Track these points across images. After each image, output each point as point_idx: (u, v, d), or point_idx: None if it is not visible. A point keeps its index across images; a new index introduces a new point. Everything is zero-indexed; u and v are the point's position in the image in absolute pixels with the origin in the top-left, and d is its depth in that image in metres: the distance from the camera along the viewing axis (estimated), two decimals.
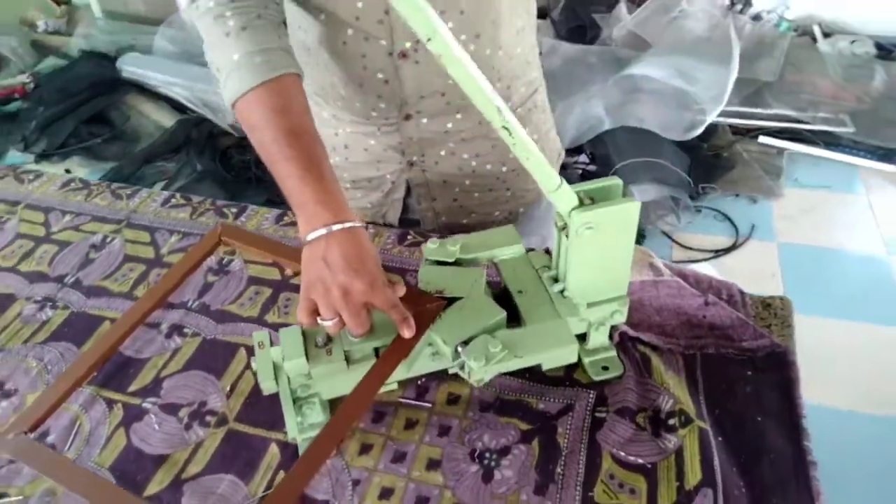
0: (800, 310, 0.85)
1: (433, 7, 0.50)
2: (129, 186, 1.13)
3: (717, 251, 2.06)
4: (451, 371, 0.73)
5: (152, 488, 0.69)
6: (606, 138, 2.28)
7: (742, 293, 0.85)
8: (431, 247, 0.78)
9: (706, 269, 1.87)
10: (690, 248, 2.08)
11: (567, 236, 0.68)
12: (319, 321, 0.68)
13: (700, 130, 2.28)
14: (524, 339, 0.70)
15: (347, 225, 0.68)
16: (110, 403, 0.78)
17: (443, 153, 0.96)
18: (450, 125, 0.93)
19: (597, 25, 2.80)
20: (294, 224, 1.01)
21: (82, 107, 2.73)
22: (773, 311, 0.83)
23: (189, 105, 2.63)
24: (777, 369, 0.76)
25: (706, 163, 2.25)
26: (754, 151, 2.32)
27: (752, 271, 1.97)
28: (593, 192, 0.67)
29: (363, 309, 0.67)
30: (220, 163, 2.60)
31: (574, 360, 0.73)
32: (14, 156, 2.85)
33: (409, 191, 1.02)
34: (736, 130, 2.39)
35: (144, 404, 0.77)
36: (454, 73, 0.53)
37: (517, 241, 0.81)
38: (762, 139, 2.36)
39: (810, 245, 1.99)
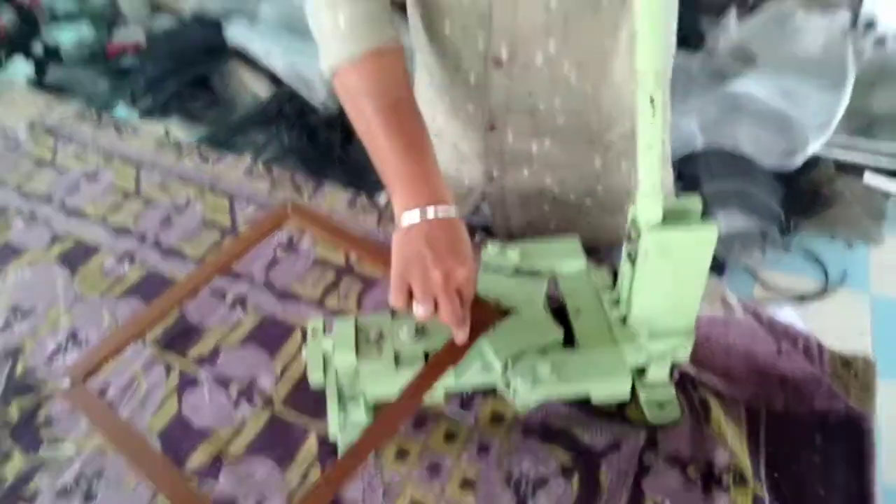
0: (886, 374, 0.78)
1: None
2: (217, 151, 1.16)
3: (802, 296, 1.93)
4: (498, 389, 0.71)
5: (194, 461, 0.71)
6: (698, 158, 2.19)
7: (820, 346, 0.79)
8: (492, 251, 0.76)
9: (789, 314, 1.75)
10: (774, 290, 1.96)
11: (635, 257, 0.65)
12: (414, 306, 0.63)
13: (800, 160, 2.14)
14: (575, 364, 0.67)
15: (445, 209, 0.65)
16: (168, 369, 0.80)
17: (525, 174, 0.93)
18: (535, 148, 0.90)
19: (701, 34, 2.67)
20: (365, 211, 1.01)
21: (187, 70, 2.85)
22: (854, 372, 0.77)
23: (284, 78, 2.70)
24: (850, 439, 0.70)
25: (801, 197, 2.11)
26: (857, 191, 2.16)
27: (839, 324, 1.82)
28: (668, 210, 0.63)
29: (457, 297, 0.63)
30: (308, 140, 2.65)
31: (626, 396, 0.70)
32: (121, 110, 3.02)
33: (483, 202, 1.00)
34: (839, 166, 2.23)
35: (200, 375, 0.80)
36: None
37: (580, 256, 0.78)
38: (867, 178, 2.19)
39: None
